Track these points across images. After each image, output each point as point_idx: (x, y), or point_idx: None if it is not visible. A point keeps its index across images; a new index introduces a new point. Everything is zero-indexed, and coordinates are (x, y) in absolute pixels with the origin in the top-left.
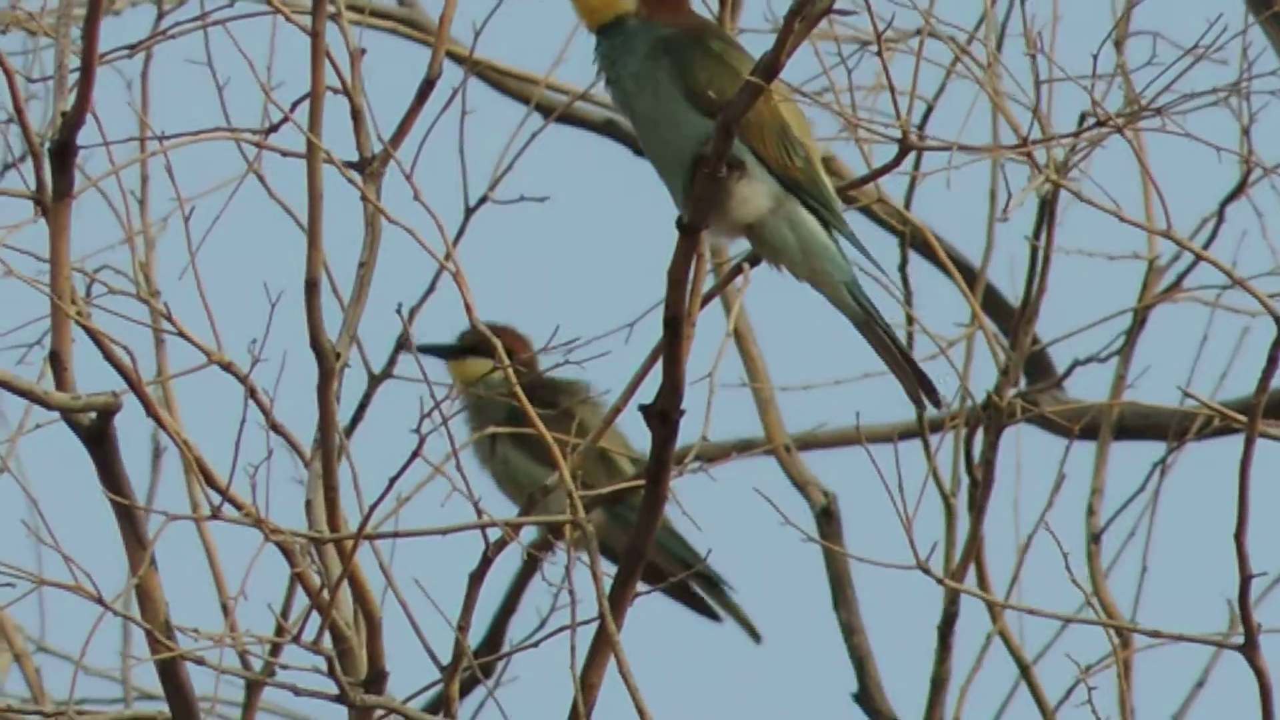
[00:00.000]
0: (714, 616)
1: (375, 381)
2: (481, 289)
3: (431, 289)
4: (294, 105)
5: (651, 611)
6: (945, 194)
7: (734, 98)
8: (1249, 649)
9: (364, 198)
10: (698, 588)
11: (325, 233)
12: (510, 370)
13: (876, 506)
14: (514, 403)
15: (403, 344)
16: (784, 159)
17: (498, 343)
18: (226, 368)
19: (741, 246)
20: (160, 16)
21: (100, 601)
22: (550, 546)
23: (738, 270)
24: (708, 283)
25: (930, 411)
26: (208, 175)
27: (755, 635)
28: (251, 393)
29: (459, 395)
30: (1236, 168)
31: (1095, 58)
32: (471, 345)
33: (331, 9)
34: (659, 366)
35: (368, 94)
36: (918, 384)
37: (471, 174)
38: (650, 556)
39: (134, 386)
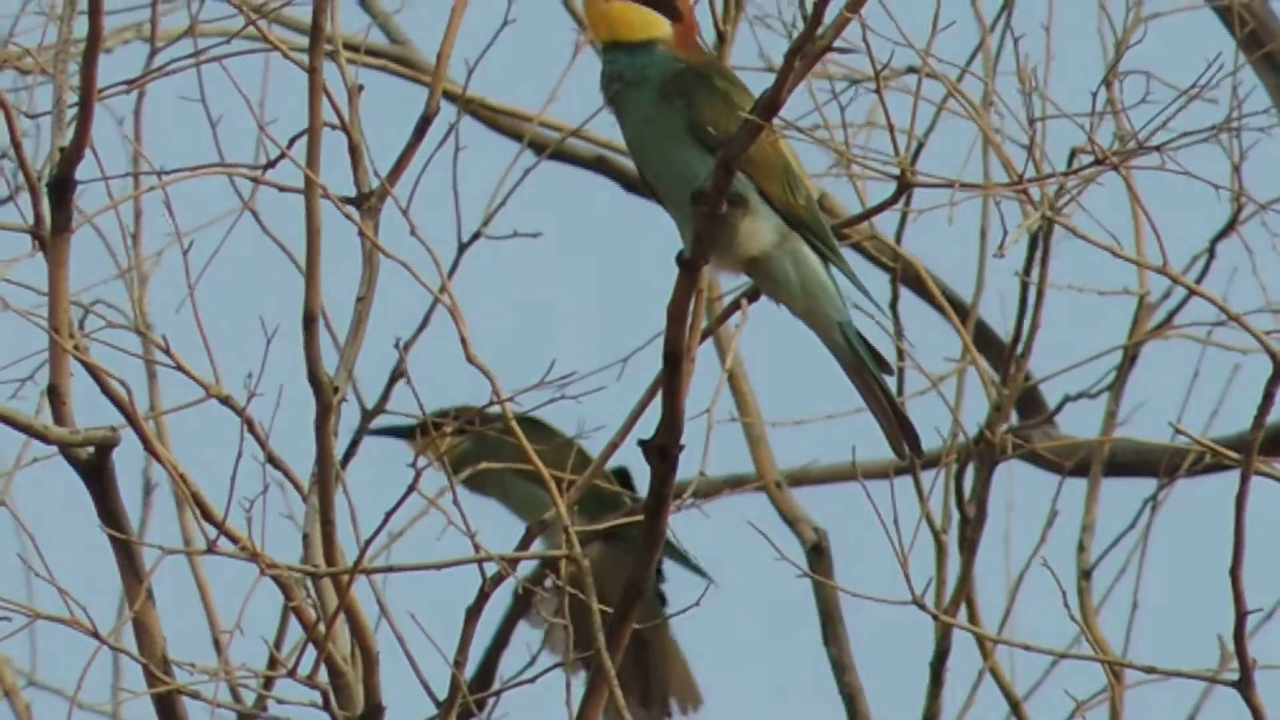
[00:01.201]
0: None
1: (369, 416)
2: (476, 324)
3: (425, 323)
4: (291, 141)
5: None
6: (935, 230)
7: (734, 135)
8: (1244, 686)
9: (361, 233)
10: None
11: (321, 267)
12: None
13: (862, 543)
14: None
15: (397, 378)
16: (787, 196)
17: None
18: (224, 401)
19: (738, 283)
20: (153, 53)
21: (96, 635)
22: (543, 581)
23: (735, 306)
24: (705, 318)
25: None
26: (204, 210)
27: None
28: (249, 426)
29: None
30: (1227, 204)
31: (1094, 95)
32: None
33: (328, 47)
34: (656, 401)
35: (363, 131)
36: (900, 433)
37: (465, 210)
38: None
39: (131, 421)
